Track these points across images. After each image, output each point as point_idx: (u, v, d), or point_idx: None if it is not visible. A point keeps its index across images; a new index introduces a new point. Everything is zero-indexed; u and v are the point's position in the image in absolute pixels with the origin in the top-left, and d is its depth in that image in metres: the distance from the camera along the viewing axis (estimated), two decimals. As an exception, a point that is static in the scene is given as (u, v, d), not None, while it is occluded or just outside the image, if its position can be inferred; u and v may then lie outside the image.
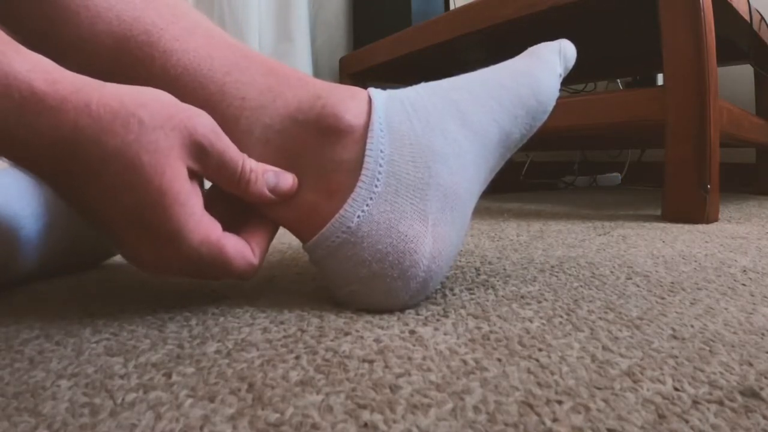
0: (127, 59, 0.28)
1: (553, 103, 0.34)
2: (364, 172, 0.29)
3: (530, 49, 0.36)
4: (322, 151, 0.29)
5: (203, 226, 0.26)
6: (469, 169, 0.31)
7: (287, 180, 0.29)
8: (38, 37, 0.27)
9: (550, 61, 0.34)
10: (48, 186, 0.26)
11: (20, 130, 0.22)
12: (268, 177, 0.29)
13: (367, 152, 0.29)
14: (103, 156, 0.23)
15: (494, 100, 0.32)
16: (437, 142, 0.30)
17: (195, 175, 0.27)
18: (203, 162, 0.26)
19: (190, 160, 0.26)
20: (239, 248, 0.28)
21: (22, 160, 0.24)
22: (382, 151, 0.29)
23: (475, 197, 0.32)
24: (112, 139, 0.23)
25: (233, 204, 0.30)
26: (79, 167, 0.24)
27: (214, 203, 0.29)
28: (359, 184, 0.29)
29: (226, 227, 0.28)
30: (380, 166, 0.29)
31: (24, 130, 0.22)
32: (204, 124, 0.26)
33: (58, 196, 0.27)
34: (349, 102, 0.30)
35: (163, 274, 0.28)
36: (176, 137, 0.25)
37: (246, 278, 0.29)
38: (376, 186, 0.29)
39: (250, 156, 0.29)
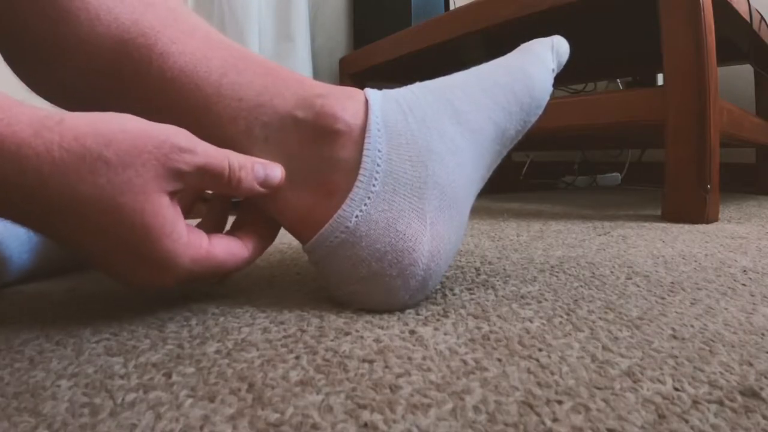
0: (126, 61, 0.28)
1: (547, 98, 0.34)
2: (361, 171, 0.29)
3: (523, 46, 0.36)
4: (320, 151, 0.29)
5: (191, 247, 0.26)
6: (466, 167, 0.31)
7: (275, 171, 0.29)
8: (38, 38, 0.27)
9: (543, 57, 0.34)
10: (25, 227, 0.25)
11: None
12: (257, 170, 0.28)
13: (365, 152, 0.29)
14: (76, 201, 0.23)
15: (489, 98, 0.32)
16: (434, 140, 0.30)
17: (176, 193, 0.26)
18: (184, 181, 0.25)
19: (169, 185, 0.25)
20: (229, 249, 0.28)
21: None
22: (379, 151, 0.29)
23: (473, 195, 0.33)
24: (81, 185, 0.22)
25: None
26: (53, 211, 0.23)
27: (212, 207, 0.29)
28: (357, 183, 0.29)
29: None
30: (378, 165, 0.29)
31: None
32: (176, 146, 0.25)
33: (39, 234, 0.27)
34: (347, 102, 0.30)
35: (157, 289, 0.28)
36: (149, 171, 0.24)
37: (241, 270, 0.30)
38: (373, 185, 0.29)
39: (250, 154, 0.29)
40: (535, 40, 0.36)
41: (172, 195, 0.25)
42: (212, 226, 0.31)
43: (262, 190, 0.29)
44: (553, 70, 0.35)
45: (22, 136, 0.21)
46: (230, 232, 0.31)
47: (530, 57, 0.34)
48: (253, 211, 0.32)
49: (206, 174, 0.26)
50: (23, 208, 0.23)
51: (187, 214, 0.29)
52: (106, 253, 0.25)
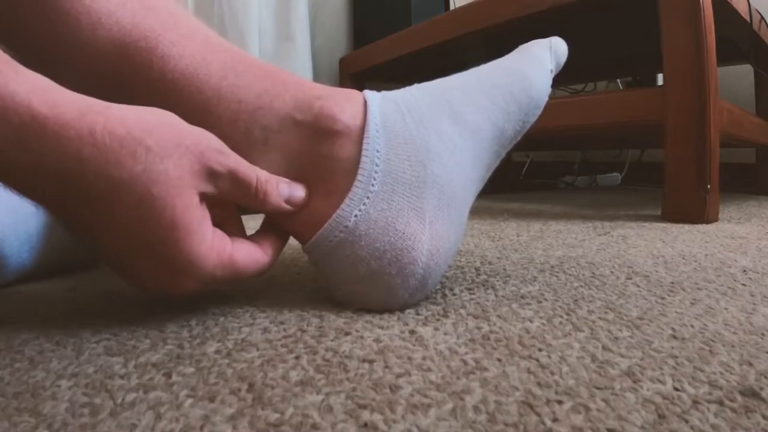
0: (127, 64, 0.28)
1: (545, 99, 0.34)
2: (360, 171, 0.29)
3: (521, 47, 0.36)
4: (320, 152, 0.30)
5: (215, 251, 0.26)
6: (464, 167, 0.31)
7: (300, 190, 0.29)
8: (38, 41, 0.27)
9: (540, 58, 0.35)
10: (53, 214, 0.25)
11: (21, 157, 0.21)
12: (282, 189, 0.29)
13: (364, 152, 0.29)
14: (110, 189, 0.23)
15: (487, 98, 0.32)
16: (432, 140, 0.30)
17: (206, 197, 0.26)
18: (216, 184, 0.26)
19: (202, 185, 0.25)
20: (250, 254, 0.28)
21: (25, 188, 0.23)
22: (378, 151, 0.29)
23: (472, 195, 0.33)
24: (119, 171, 0.22)
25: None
26: (85, 198, 0.23)
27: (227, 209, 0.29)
28: (356, 183, 0.29)
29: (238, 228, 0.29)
30: (376, 165, 0.29)
31: (25, 157, 0.21)
32: (212, 146, 0.25)
33: (64, 225, 0.27)
34: (345, 104, 0.30)
35: (176, 294, 0.28)
36: (186, 165, 0.24)
37: (260, 275, 0.30)
38: (372, 185, 0.29)
39: (250, 157, 0.29)
40: (533, 42, 0.36)
41: (203, 197, 0.26)
42: (234, 230, 0.31)
43: (287, 207, 0.29)
44: (552, 71, 0.35)
45: (66, 119, 0.22)
46: (250, 237, 0.31)
47: (528, 58, 0.35)
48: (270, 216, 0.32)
49: (236, 180, 0.26)
50: (56, 194, 0.23)
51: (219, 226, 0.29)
52: (129, 250, 0.25)
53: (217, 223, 0.28)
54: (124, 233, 0.24)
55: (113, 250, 0.25)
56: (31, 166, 0.22)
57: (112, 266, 0.27)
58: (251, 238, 0.30)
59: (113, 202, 0.23)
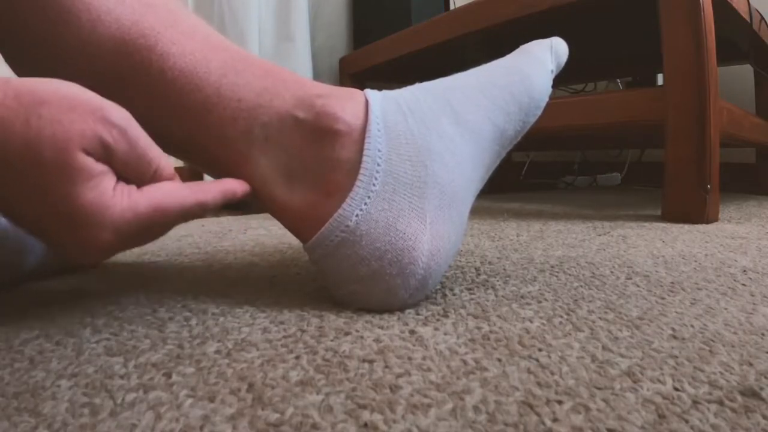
0: (126, 62, 0.28)
1: (545, 99, 0.34)
2: (361, 171, 0.29)
3: (522, 47, 0.36)
4: (321, 151, 0.29)
5: (118, 199, 0.25)
6: (465, 167, 0.31)
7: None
8: (38, 39, 0.27)
9: (541, 59, 0.35)
10: None
11: None
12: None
13: (365, 152, 0.29)
14: (6, 157, 0.23)
15: (487, 99, 0.32)
16: (433, 141, 0.30)
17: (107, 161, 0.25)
18: (110, 155, 0.25)
19: (93, 150, 0.24)
20: (162, 192, 0.26)
21: None
22: (379, 151, 0.29)
23: (473, 195, 0.33)
24: (13, 138, 0.23)
25: None
26: None
27: None
28: (357, 183, 0.29)
29: None
30: (378, 165, 0.29)
31: None
32: (106, 117, 0.24)
33: None
34: (347, 103, 0.30)
35: (110, 254, 0.27)
36: (76, 130, 0.24)
37: (194, 215, 0.28)
38: (373, 185, 0.29)
39: (250, 156, 0.29)
40: (533, 42, 0.36)
41: (98, 159, 0.24)
42: None
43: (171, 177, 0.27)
44: (552, 72, 0.35)
45: None
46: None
47: (529, 58, 0.35)
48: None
49: (131, 159, 0.25)
50: None
51: None
52: (41, 216, 0.25)
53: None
54: (31, 198, 0.24)
55: (26, 217, 0.25)
56: None
57: (34, 234, 0.27)
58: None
59: (11, 166, 0.23)
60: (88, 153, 0.24)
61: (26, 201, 0.24)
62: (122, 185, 0.26)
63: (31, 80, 0.24)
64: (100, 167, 0.25)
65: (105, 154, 0.25)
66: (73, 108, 0.24)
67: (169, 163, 0.27)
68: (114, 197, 0.25)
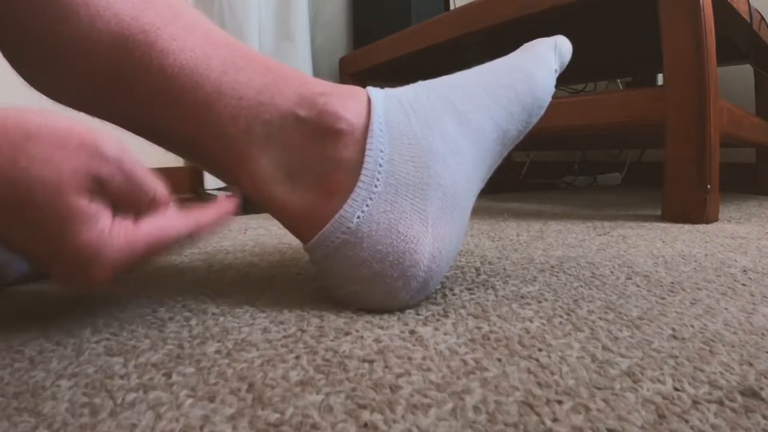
0: (126, 58, 0.28)
1: (549, 99, 0.34)
2: (363, 171, 0.29)
3: (525, 45, 0.36)
4: (322, 150, 0.29)
5: (113, 237, 0.24)
6: (467, 168, 0.31)
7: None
8: (38, 36, 0.27)
9: (545, 58, 0.34)
10: None
11: None
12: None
13: (367, 152, 0.29)
14: None
15: (491, 98, 0.32)
16: (436, 141, 0.30)
17: (102, 196, 0.24)
18: (106, 189, 0.24)
19: (86, 187, 0.23)
20: (157, 227, 0.26)
21: None
22: (381, 151, 0.29)
23: (474, 196, 0.33)
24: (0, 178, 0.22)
25: None
26: None
27: None
28: (359, 183, 0.29)
29: None
30: (380, 165, 0.29)
31: None
32: (98, 150, 0.24)
33: None
34: (349, 101, 0.30)
35: (107, 283, 0.26)
36: (67, 169, 0.23)
37: (187, 241, 0.28)
38: (375, 186, 0.29)
39: (251, 154, 0.29)
40: (537, 40, 0.36)
41: (92, 191, 0.24)
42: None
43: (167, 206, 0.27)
44: (556, 71, 0.35)
45: None
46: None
47: (533, 57, 0.34)
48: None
49: (127, 191, 0.25)
50: None
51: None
52: (36, 250, 0.24)
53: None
54: (24, 233, 0.23)
55: (23, 250, 0.25)
56: None
57: (31, 263, 0.26)
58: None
59: (2, 204, 0.22)
60: (83, 192, 0.23)
61: (20, 237, 0.24)
62: (118, 221, 0.25)
63: (17, 112, 0.23)
64: (95, 207, 0.24)
65: (100, 188, 0.24)
66: (64, 144, 0.23)
67: (164, 190, 0.27)
68: (111, 236, 0.24)
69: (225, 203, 0.30)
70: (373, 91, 0.31)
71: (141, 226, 0.26)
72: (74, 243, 0.23)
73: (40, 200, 0.22)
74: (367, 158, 0.29)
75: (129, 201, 0.25)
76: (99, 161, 0.23)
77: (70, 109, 0.31)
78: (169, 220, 0.27)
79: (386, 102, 0.31)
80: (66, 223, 0.23)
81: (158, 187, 0.26)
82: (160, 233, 0.26)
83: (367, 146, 0.29)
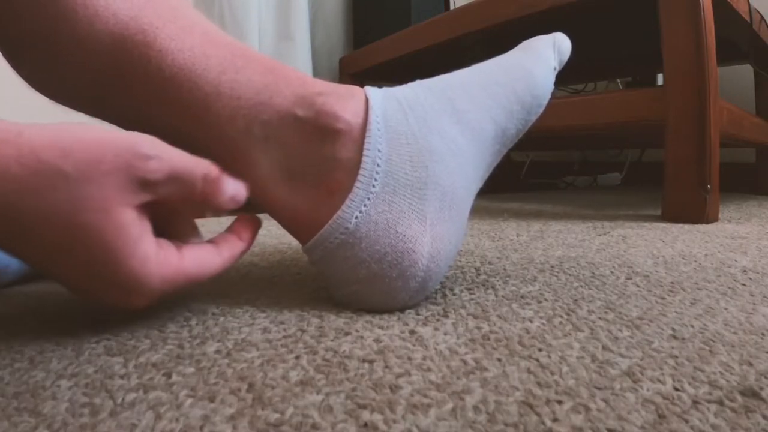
0: (125, 58, 0.28)
1: (548, 97, 0.34)
2: (361, 172, 0.29)
3: (524, 43, 0.36)
4: (320, 150, 0.29)
5: (160, 267, 0.25)
6: (466, 168, 0.31)
7: (242, 189, 0.28)
8: (36, 36, 0.27)
9: (544, 55, 0.34)
10: None
11: None
12: (230, 185, 0.27)
13: (365, 152, 0.29)
14: (34, 222, 0.21)
15: (489, 97, 0.32)
16: (434, 141, 0.30)
17: (144, 206, 0.24)
18: (153, 191, 0.24)
19: (134, 197, 0.23)
20: (200, 261, 0.27)
21: None
22: (379, 151, 0.29)
23: (473, 195, 0.32)
24: (40, 202, 0.21)
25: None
26: (13, 231, 0.22)
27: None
28: (357, 184, 0.29)
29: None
30: (378, 165, 0.29)
31: None
32: (138, 152, 0.23)
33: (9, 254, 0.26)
34: (347, 101, 0.30)
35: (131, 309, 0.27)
36: (110, 183, 0.22)
37: (216, 276, 0.28)
38: (373, 186, 0.29)
39: (250, 155, 0.29)
40: (536, 38, 0.36)
41: (140, 209, 0.24)
42: (183, 226, 0.29)
43: (230, 205, 0.27)
44: (555, 68, 0.35)
45: None
46: (212, 238, 0.29)
47: (532, 55, 0.34)
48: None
49: (177, 182, 0.25)
50: None
51: (165, 230, 0.28)
52: (73, 275, 0.24)
53: (162, 225, 0.27)
54: (64, 260, 0.23)
55: (59, 274, 0.24)
56: None
57: (67, 288, 0.26)
58: (210, 240, 0.29)
59: (43, 232, 0.22)
60: (128, 205, 0.23)
61: (58, 262, 0.23)
62: (164, 250, 0.25)
63: (48, 128, 0.22)
64: (141, 228, 0.24)
65: (147, 192, 0.24)
66: (101, 158, 0.22)
67: (211, 168, 0.26)
68: (156, 266, 0.24)
69: (249, 226, 0.30)
70: (372, 91, 0.31)
71: (185, 259, 0.26)
72: (120, 271, 0.23)
73: (86, 222, 0.22)
74: (364, 158, 0.29)
75: (179, 194, 0.25)
76: (140, 162, 0.23)
77: (70, 108, 0.31)
78: (208, 256, 0.27)
79: (384, 101, 0.31)
80: (112, 249, 0.23)
81: (204, 168, 0.26)
82: (202, 269, 0.27)
83: (365, 146, 0.29)
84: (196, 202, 0.26)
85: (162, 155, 0.24)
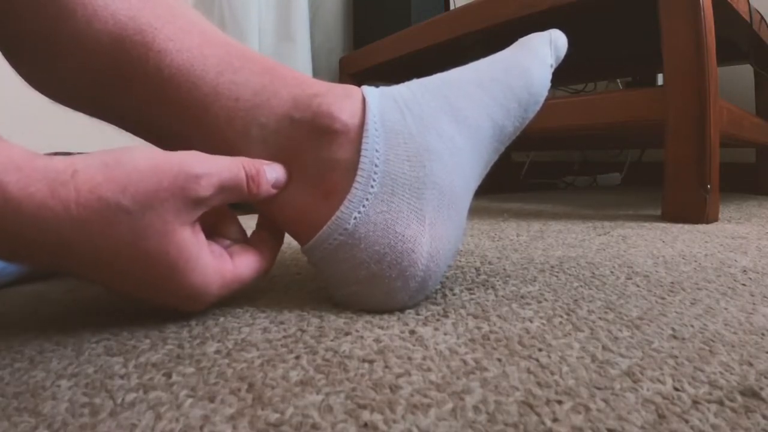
0: (123, 59, 0.28)
1: (545, 94, 0.34)
2: (359, 172, 0.29)
3: (521, 40, 0.36)
4: (318, 151, 0.29)
5: (218, 275, 0.27)
6: (464, 166, 0.31)
7: (280, 171, 0.29)
8: (36, 35, 0.27)
9: (541, 53, 0.34)
10: (60, 271, 0.26)
11: (3, 232, 0.21)
12: (269, 173, 0.29)
13: (363, 152, 0.29)
14: (98, 255, 0.23)
15: (486, 95, 0.32)
16: (432, 140, 0.30)
17: (198, 219, 0.26)
18: (206, 204, 0.26)
19: (190, 216, 0.25)
20: (250, 265, 0.29)
21: (11, 256, 0.24)
22: (377, 151, 0.29)
23: (471, 194, 0.32)
24: (103, 239, 0.22)
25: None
26: (77, 263, 0.23)
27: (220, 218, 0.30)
28: (355, 184, 0.29)
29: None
30: (376, 166, 0.29)
31: (6, 234, 0.21)
32: (191, 174, 0.25)
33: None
34: (344, 101, 0.30)
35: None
36: (169, 209, 0.24)
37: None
38: (372, 186, 0.29)
39: (249, 155, 0.29)
40: (532, 35, 0.35)
41: (195, 225, 0.26)
42: (229, 227, 0.31)
43: (274, 191, 0.29)
44: (552, 65, 0.34)
45: (39, 197, 0.21)
46: (247, 241, 0.31)
47: (528, 52, 0.34)
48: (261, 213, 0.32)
49: (226, 191, 0.27)
50: (51, 262, 0.24)
51: (214, 230, 0.30)
52: (137, 291, 0.26)
53: (211, 228, 0.29)
54: (128, 280, 0.25)
55: (124, 291, 0.26)
56: (13, 239, 0.22)
57: (121, 296, 0.28)
58: (248, 241, 0.31)
59: (108, 260, 0.23)
60: (187, 225, 0.25)
61: (123, 281, 0.25)
62: (217, 256, 0.27)
63: (99, 161, 0.23)
64: (198, 242, 0.26)
65: (201, 207, 0.26)
66: (159, 185, 0.23)
67: (245, 161, 0.28)
68: (214, 275, 0.27)
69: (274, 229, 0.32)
70: (369, 90, 0.31)
71: (238, 266, 0.28)
72: (184, 285, 0.25)
73: (149, 248, 0.24)
74: (362, 158, 0.29)
75: (230, 200, 0.27)
76: (193, 184, 0.25)
77: (70, 108, 0.31)
78: (259, 260, 0.30)
79: (381, 101, 0.31)
80: (175, 267, 0.25)
81: (246, 168, 0.27)
82: (252, 273, 0.29)
83: (363, 146, 0.29)
84: (248, 197, 0.28)
85: (210, 171, 0.25)
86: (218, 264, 0.27)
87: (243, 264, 0.29)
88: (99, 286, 0.26)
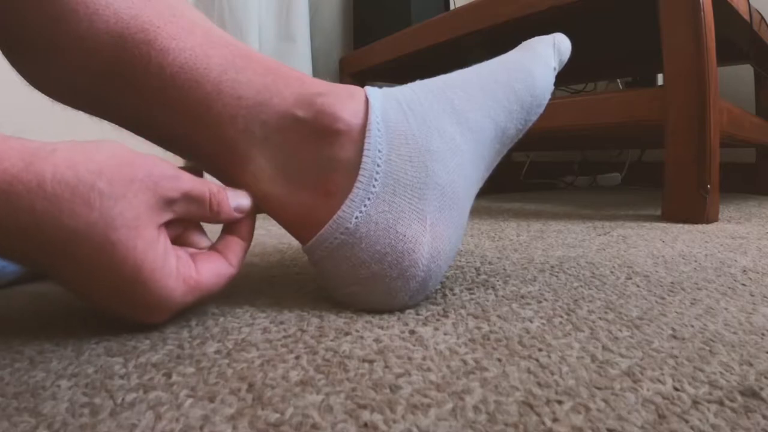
0: (125, 57, 0.28)
1: (548, 97, 0.34)
2: (361, 172, 0.29)
3: (524, 43, 0.36)
4: (320, 151, 0.29)
5: (181, 280, 0.26)
6: (466, 168, 0.31)
7: (245, 198, 0.30)
8: (37, 35, 0.27)
9: (544, 55, 0.34)
10: (16, 263, 0.25)
11: None
12: (232, 198, 0.29)
13: (365, 152, 0.29)
14: (68, 239, 0.22)
15: (489, 97, 0.32)
16: (434, 141, 0.30)
17: (165, 225, 0.26)
18: (173, 209, 0.26)
19: (159, 216, 0.25)
20: (216, 271, 0.28)
21: None
22: (379, 151, 0.29)
23: (473, 195, 0.33)
24: (74, 221, 0.22)
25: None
26: (45, 251, 0.23)
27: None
28: (357, 184, 0.29)
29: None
30: (378, 166, 0.29)
31: None
32: (164, 174, 0.25)
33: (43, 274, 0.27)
34: (347, 101, 0.30)
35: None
36: (141, 202, 0.24)
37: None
38: (373, 186, 0.29)
39: (249, 155, 0.29)
40: (536, 38, 0.36)
41: (161, 228, 0.25)
42: (195, 236, 0.30)
43: (237, 215, 0.29)
44: (555, 69, 0.35)
45: (13, 172, 0.21)
46: (213, 245, 0.30)
47: (532, 55, 0.34)
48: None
49: (192, 200, 0.27)
50: (13, 245, 0.23)
51: (179, 240, 0.29)
52: (98, 292, 0.25)
53: (177, 236, 0.28)
54: (90, 278, 0.24)
55: (83, 292, 0.25)
56: None
57: (85, 302, 0.27)
58: (214, 247, 0.30)
59: (74, 250, 0.23)
60: (156, 224, 0.25)
61: (81, 278, 0.24)
62: (182, 263, 0.26)
63: (80, 144, 0.23)
64: (165, 246, 0.25)
65: (169, 210, 0.26)
66: (134, 175, 0.24)
67: (217, 191, 0.28)
68: (178, 280, 0.26)
69: (245, 223, 0.31)
70: (372, 91, 0.31)
71: (202, 273, 0.27)
72: (147, 287, 0.25)
73: (118, 240, 0.23)
74: (364, 158, 0.29)
75: (193, 212, 0.27)
76: (165, 182, 0.25)
77: (70, 108, 0.31)
78: (226, 266, 0.29)
79: (384, 101, 0.31)
80: (140, 266, 0.24)
81: (210, 185, 0.28)
82: (217, 280, 0.28)
83: (365, 146, 0.29)
84: (209, 214, 0.28)
85: (180, 176, 0.26)
86: (183, 269, 0.26)
87: (207, 271, 0.27)
88: (69, 290, 0.26)
